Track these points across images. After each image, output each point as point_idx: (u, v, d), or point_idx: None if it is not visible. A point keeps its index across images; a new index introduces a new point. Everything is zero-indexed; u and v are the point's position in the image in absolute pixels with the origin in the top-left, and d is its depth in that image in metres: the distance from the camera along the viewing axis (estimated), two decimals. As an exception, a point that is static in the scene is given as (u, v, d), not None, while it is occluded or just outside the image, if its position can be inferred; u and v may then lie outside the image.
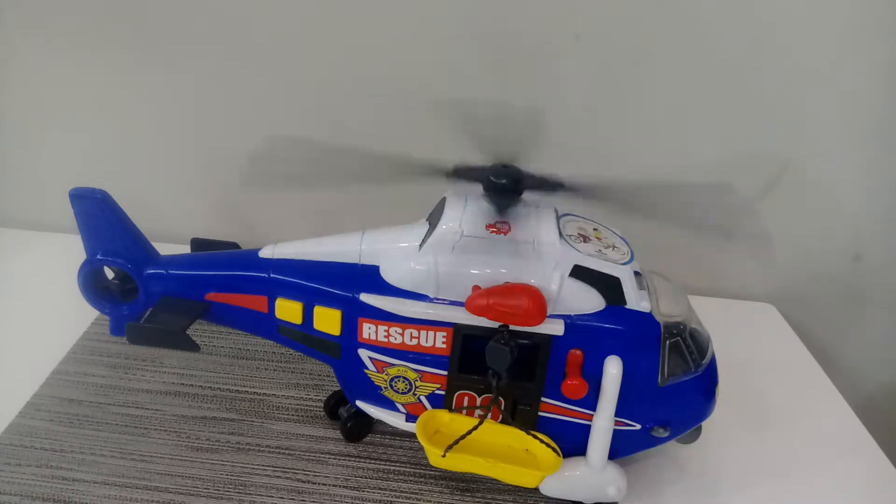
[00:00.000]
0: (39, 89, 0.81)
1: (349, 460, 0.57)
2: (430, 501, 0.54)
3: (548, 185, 0.49)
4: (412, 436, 0.52)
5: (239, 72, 0.78)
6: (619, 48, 0.74)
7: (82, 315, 0.69)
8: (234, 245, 0.57)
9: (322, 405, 0.61)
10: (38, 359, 0.65)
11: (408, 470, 0.56)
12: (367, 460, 0.57)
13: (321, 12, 0.74)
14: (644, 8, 0.72)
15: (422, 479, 0.55)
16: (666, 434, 0.52)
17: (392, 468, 0.56)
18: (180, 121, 0.81)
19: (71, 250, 0.56)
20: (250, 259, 0.54)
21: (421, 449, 0.53)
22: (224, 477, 0.54)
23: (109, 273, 0.55)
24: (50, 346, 0.66)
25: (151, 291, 0.54)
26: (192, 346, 0.53)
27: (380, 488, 0.54)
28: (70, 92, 0.80)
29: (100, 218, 0.52)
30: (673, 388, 0.51)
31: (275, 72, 0.77)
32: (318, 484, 0.54)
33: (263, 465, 0.55)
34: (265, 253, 0.53)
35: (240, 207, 0.85)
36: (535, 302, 0.47)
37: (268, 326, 0.54)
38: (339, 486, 0.54)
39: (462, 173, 0.49)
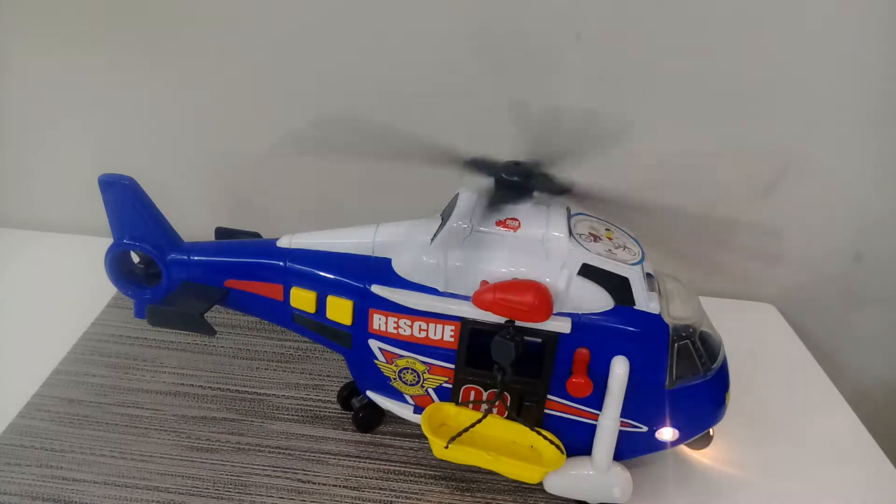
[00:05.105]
0: (39, 89, 0.80)
1: (349, 460, 0.56)
2: (431, 501, 0.53)
3: (556, 189, 0.50)
4: (412, 436, 0.51)
5: (241, 70, 0.78)
6: (620, 47, 0.74)
7: (82, 315, 0.69)
8: (257, 235, 0.59)
9: (321, 405, 0.61)
10: (38, 359, 0.64)
11: (408, 470, 0.55)
12: (367, 460, 0.56)
13: (326, 12, 0.74)
14: (644, 6, 0.72)
15: (422, 479, 0.54)
16: (674, 438, 0.51)
17: (392, 468, 0.55)
18: (178, 121, 0.81)
19: (71, 250, 0.57)
20: (268, 248, 0.55)
21: (421, 449, 0.53)
22: (224, 477, 0.54)
23: (135, 258, 0.57)
24: (50, 346, 0.66)
25: (174, 277, 0.55)
26: (209, 330, 0.53)
27: (380, 488, 0.53)
28: (70, 92, 0.80)
29: (127, 204, 0.54)
30: (681, 391, 0.50)
31: (280, 69, 0.77)
32: (318, 484, 0.53)
33: (263, 465, 0.55)
34: (282, 243, 0.55)
35: (248, 204, 0.84)
36: (541, 298, 0.47)
37: (283, 314, 0.55)
38: (339, 486, 0.53)
39: (476, 165, 0.51)
